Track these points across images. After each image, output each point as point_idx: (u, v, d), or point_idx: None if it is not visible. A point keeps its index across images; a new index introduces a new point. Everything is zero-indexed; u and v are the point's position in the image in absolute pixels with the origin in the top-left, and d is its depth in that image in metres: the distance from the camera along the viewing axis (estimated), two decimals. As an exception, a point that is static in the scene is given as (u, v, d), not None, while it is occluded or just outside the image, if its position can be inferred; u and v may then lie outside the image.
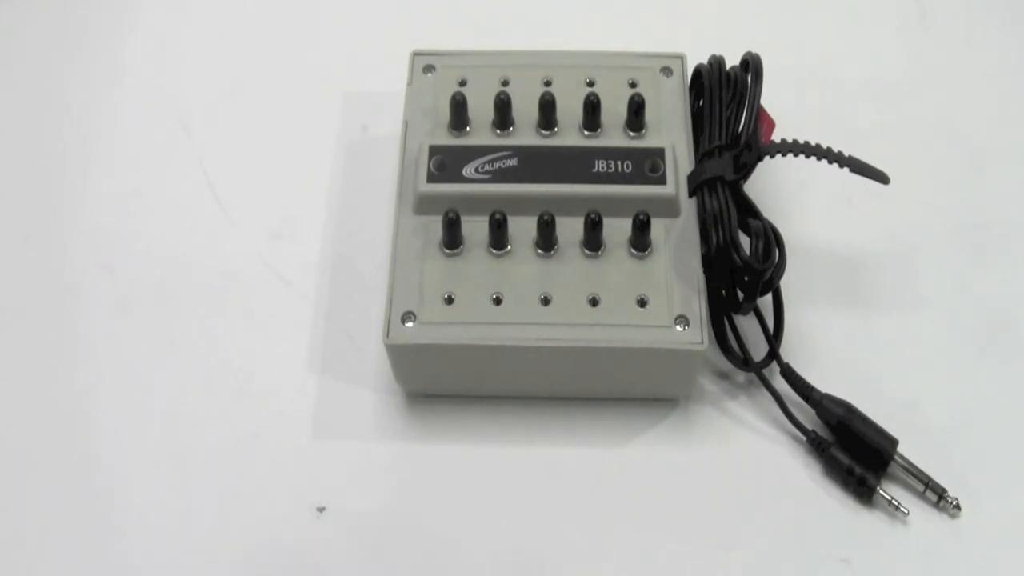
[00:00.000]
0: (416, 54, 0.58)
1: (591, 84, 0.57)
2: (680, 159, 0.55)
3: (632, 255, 0.52)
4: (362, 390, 0.55)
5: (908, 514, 0.51)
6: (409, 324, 0.50)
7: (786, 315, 0.54)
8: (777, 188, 0.60)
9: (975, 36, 0.67)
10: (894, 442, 0.51)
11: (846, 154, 0.51)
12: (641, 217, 0.51)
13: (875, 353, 0.56)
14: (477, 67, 0.58)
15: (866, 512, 0.51)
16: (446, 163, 0.54)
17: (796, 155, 0.51)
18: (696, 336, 0.50)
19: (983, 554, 0.50)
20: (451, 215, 0.51)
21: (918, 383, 0.55)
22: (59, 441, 0.54)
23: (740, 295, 0.52)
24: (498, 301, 0.51)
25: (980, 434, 0.53)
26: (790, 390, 0.53)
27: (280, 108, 0.64)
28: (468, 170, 0.53)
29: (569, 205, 0.52)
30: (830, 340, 0.56)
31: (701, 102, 0.57)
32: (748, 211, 0.52)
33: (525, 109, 0.55)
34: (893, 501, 0.51)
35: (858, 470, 0.51)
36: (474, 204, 0.52)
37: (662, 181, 0.53)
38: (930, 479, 0.51)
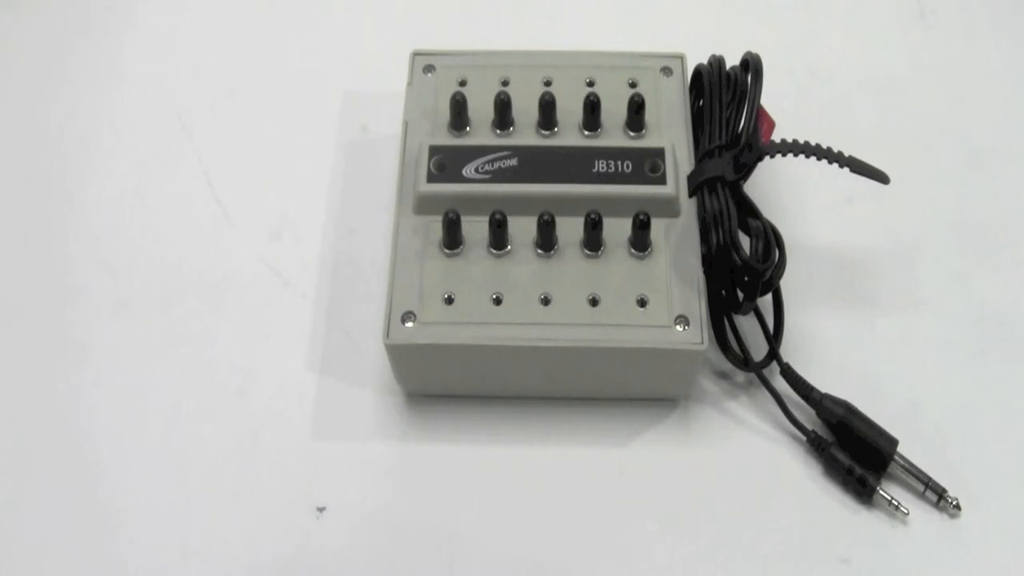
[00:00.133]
0: (416, 54, 0.58)
1: (591, 84, 0.57)
2: (680, 159, 0.55)
3: (632, 255, 0.52)
4: (362, 390, 0.55)
5: (908, 514, 0.51)
6: (409, 324, 0.50)
7: (786, 315, 0.54)
8: (777, 188, 0.60)
9: (975, 35, 0.67)
10: (894, 442, 0.51)
11: (846, 154, 0.50)
12: (641, 217, 0.51)
13: (875, 353, 0.56)
14: (477, 67, 0.58)
15: (866, 512, 0.51)
16: (446, 163, 0.54)
17: (796, 155, 0.51)
18: (696, 336, 0.50)
19: (983, 554, 0.51)
20: (451, 215, 0.51)
21: (918, 383, 0.55)
22: (59, 441, 0.54)
23: (740, 295, 0.52)
24: (498, 301, 0.51)
25: (980, 434, 0.53)
26: (790, 390, 0.53)
27: (280, 108, 0.64)
28: (468, 170, 0.53)
29: (569, 205, 0.52)
30: (830, 340, 0.56)
31: (701, 102, 0.57)
32: (748, 211, 0.52)
33: (525, 109, 0.55)
34: (893, 501, 0.51)
35: (858, 470, 0.51)
36: (474, 204, 0.52)
37: (662, 181, 0.53)
38: (930, 479, 0.51)
